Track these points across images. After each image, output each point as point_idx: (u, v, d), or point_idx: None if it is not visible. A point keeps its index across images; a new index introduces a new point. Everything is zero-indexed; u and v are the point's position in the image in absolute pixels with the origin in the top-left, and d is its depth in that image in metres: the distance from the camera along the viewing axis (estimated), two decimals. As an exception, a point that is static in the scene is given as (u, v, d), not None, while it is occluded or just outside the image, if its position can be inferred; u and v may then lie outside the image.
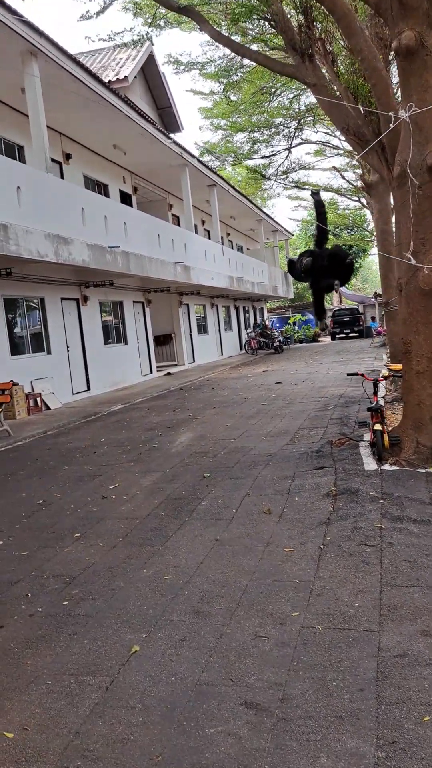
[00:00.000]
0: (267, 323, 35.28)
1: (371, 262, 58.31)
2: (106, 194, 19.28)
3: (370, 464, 6.64)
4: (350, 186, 30.78)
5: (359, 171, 20.21)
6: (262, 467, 7.32)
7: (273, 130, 27.47)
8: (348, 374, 8.38)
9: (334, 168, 30.12)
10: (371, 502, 5.68)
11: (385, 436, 6.65)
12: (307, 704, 2.97)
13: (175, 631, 3.78)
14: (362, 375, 7.86)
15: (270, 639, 3.60)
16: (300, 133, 28.33)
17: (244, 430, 9.94)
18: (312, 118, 25.00)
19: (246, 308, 35.29)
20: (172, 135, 20.39)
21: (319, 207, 6.68)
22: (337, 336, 36.36)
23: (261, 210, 30.97)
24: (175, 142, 19.25)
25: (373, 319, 35.23)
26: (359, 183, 28.94)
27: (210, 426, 10.66)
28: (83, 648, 3.68)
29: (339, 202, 41.38)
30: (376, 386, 7.56)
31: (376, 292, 37.63)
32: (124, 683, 3.28)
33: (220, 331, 29.48)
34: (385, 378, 7.46)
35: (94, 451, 9.43)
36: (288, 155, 30.70)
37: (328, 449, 7.46)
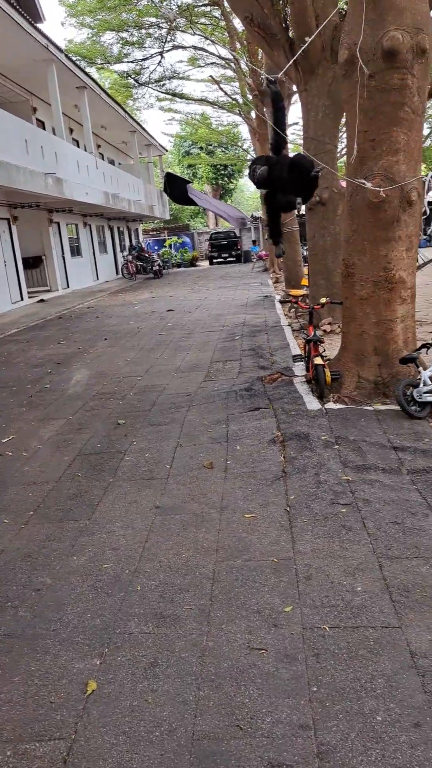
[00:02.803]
0: (143, 246, 33.49)
1: (244, 184, 57.23)
2: (-40, 90, 16.46)
3: (312, 403, 5.90)
4: (229, 99, 29.16)
5: (250, 80, 18.73)
6: (186, 410, 6.37)
7: (144, 31, 25.10)
8: (281, 301, 7.51)
9: (212, 78, 28.28)
10: (326, 449, 4.95)
11: (327, 371, 5.91)
12: (355, 759, 2.18)
13: (139, 651, 2.83)
14: (296, 302, 7.05)
15: (269, 651, 2.77)
16: (172, 38, 26.18)
17: (149, 365, 8.86)
18: (185, 19, 23.04)
19: (120, 229, 33.13)
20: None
21: (278, 101, 5.45)
22: (215, 261, 35.43)
23: (135, 120, 28.56)
24: (40, 31, 16.67)
25: (254, 242, 34.53)
26: (241, 96, 27.41)
27: (107, 361, 9.47)
28: (16, 692, 2.64)
29: (212, 118, 39.55)
30: (311, 315, 6.75)
31: (253, 215, 36.89)
32: (90, 750, 2.31)
33: (94, 253, 27.42)
34: (322, 305, 6.67)
35: (-27, 395, 7.96)
36: (161, 61, 28.30)
37: (259, 387, 6.62)
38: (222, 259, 35.24)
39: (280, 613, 3.03)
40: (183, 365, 8.59)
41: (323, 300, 6.72)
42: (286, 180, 5.02)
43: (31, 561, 3.70)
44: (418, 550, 3.49)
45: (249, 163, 5.58)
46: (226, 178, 44.97)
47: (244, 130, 51.76)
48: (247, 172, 5.59)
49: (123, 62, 26.19)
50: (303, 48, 8.41)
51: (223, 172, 44.67)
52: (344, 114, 6.52)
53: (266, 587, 3.25)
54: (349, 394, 5.99)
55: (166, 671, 2.68)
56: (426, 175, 6.11)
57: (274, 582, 3.29)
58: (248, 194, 62.45)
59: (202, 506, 4.23)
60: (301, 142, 11.39)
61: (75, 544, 3.86)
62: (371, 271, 5.87)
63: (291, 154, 5.56)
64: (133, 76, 26.86)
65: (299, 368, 7.09)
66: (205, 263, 36.93)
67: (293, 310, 12.90)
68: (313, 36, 9.01)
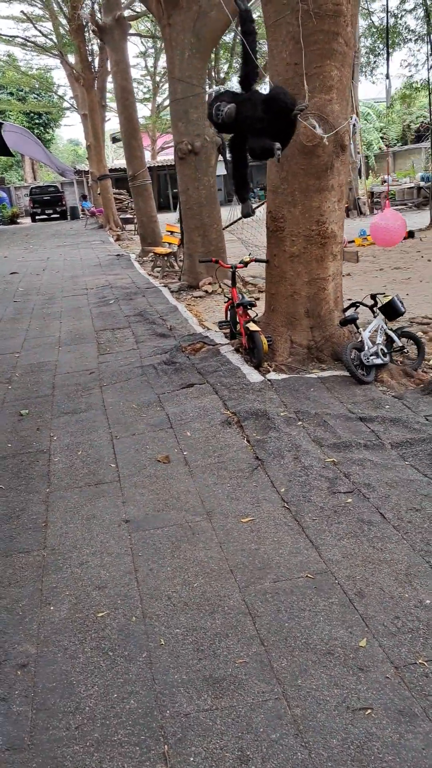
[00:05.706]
0: None
1: (59, 135, 53.68)
2: None
3: (252, 374, 5.27)
4: (45, 40, 26.61)
5: (87, 13, 16.93)
6: (99, 391, 5.42)
7: None
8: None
9: (23, 14, 25.51)
10: (290, 426, 4.40)
11: (263, 338, 5.30)
12: None
13: (212, 742, 2.09)
14: (217, 261, 6.29)
15: (376, 710, 2.17)
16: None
17: (21, 337, 7.62)
18: None
19: None
20: None
21: (249, 21, 4.40)
22: (38, 217, 32.89)
23: None
24: None
25: (84, 197, 32.40)
26: (56, 37, 25.13)
27: (-36, 334, 8.01)
28: None
29: (21, 61, 36.06)
30: (234, 276, 6.04)
31: (74, 167, 34.72)
32: None
33: None
34: (245, 264, 5.99)
35: None
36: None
37: (183, 358, 5.82)
38: (46, 216, 32.84)
39: (356, 650, 2.44)
40: (63, 336, 7.49)
41: (247, 258, 6.07)
42: (259, 121, 4.13)
43: (-9, 622, 2.72)
44: (460, 541, 3.08)
45: (209, 99, 4.61)
46: (41, 128, 41.64)
47: (59, 75, 48.19)
48: (209, 109, 4.40)
49: None
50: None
51: (38, 120, 41.31)
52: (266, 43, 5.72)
53: (319, 615, 2.64)
54: (284, 361, 5.48)
55: (267, 763, 1.98)
56: (351, 118, 5.64)
57: (324, 606, 2.69)
58: (62, 146, 58.77)
59: (183, 514, 3.47)
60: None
61: (42, 587, 2.93)
62: (303, 224, 5.33)
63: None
64: None
65: (217, 335, 6.41)
66: (27, 220, 34.19)
67: (157, 269, 12.11)
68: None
